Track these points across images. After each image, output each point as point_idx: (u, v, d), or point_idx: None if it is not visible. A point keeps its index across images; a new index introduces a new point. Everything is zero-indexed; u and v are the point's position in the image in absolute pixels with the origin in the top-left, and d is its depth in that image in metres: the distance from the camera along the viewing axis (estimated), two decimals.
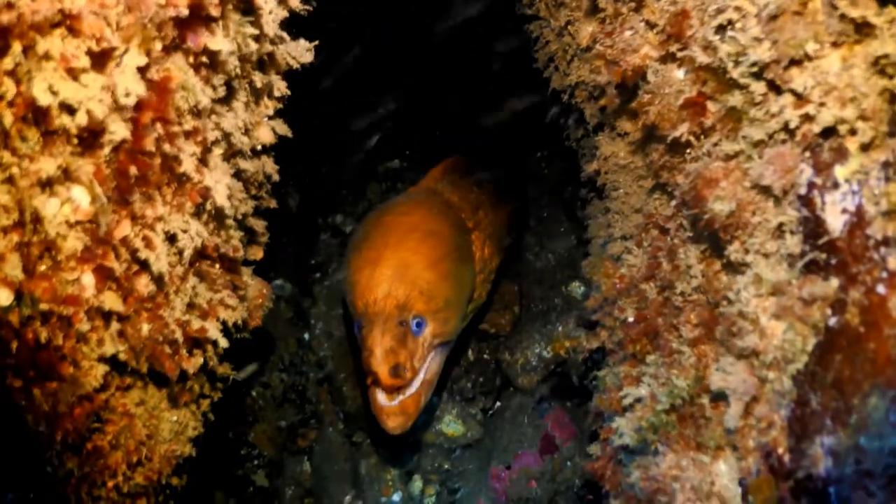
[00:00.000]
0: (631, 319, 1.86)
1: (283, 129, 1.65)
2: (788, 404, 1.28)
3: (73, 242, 1.15)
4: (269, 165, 1.66)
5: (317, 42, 1.62)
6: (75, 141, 1.07)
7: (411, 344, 2.62)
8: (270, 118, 1.57)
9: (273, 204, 1.93)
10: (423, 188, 3.31)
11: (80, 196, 1.11)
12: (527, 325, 3.54)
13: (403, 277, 2.65)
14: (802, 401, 1.25)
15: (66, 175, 1.08)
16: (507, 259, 3.47)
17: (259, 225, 1.89)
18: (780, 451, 1.29)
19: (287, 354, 3.36)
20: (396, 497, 3.43)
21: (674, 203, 1.69)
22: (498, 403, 3.57)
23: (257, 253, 1.95)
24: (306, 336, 3.54)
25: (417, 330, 2.64)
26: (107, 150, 1.10)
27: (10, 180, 1.02)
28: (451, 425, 3.46)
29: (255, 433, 3.23)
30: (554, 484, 3.22)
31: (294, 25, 1.58)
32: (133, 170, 1.12)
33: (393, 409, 2.61)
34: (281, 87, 1.59)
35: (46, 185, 1.06)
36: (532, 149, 4.06)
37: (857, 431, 1.12)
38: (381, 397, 2.64)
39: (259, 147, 1.56)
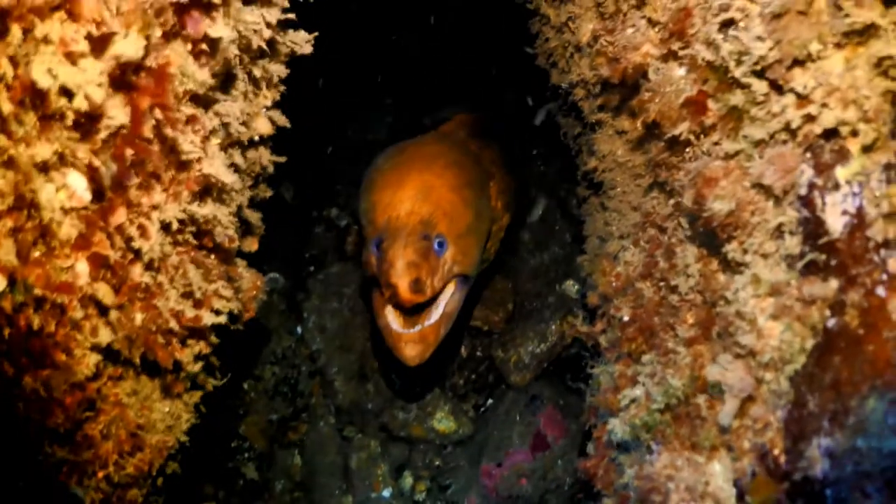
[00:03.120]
0: (626, 318, 1.85)
1: (282, 119, 1.64)
2: (785, 405, 1.28)
3: (68, 229, 1.14)
4: (265, 156, 1.65)
5: (316, 34, 1.60)
6: (72, 126, 1.05)
7: (433, 261, 2.54)
8: (269, 109, 1.55)
9: (269, 193, 1.92)
10: (442, 132, 3.27)
11: (76, 182, 1.09)
12: (520, 322, 3.53)
13: (428, 197, 2.62)
14: (800, 402, 1.25)
15: (63, 160, 1.06)
16: (512, 230, 3.39)
17: (255, 216, 1.87)
18: (777, 452, 1.29)
19: (279, 348, 3.34)
20: (387, 493, 3.41)
21: (672, 201, 1.69)
22: (490, 401, 3.56)
23: (252, 244, 1.94)
24: (299, 329, 3.53)
25: (440, 249, 2.58)
26: (104, 135, 1.09)
27: (6, 164, 1.01)
28: (442, 422, 3.45)
29: (247, 425, 3.22)
30: (545, 482, 3.22)
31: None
32: (130, 154, 1.11)
33: (412, 336, 2.53)
34: (281, 75, 1.57)
35: (42, 170, 1.04)
36: (527, 145, 4.05)
37: (855, 433, 1.12)
38: (397, 325, 2.56)
39: (256, 138, 1.54)
